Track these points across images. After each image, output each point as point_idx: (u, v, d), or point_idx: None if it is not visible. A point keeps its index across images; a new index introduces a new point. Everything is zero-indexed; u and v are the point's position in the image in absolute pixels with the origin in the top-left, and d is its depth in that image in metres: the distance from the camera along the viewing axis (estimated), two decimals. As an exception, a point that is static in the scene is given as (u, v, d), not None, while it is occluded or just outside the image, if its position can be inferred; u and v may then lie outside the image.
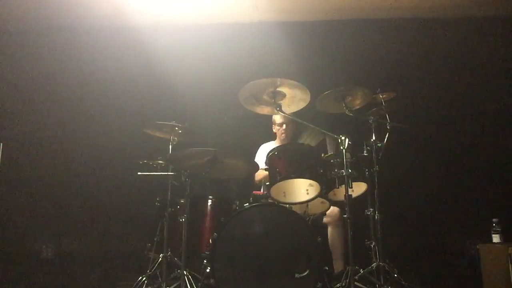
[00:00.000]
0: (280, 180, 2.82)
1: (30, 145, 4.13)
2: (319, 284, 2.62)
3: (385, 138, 3.14)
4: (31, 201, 4.03)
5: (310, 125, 2.86)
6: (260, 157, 3.63)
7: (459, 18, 3.97)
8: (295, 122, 3.64)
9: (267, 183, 2.93)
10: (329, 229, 3.36)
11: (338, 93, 2.98)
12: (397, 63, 4.12)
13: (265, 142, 3.83)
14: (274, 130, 3.80)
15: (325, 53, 4.16)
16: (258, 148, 3.82)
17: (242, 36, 4.02)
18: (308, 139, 4.03)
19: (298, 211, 2.92)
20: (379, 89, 3.27)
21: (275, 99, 2.89)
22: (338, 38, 4.11)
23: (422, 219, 3.94)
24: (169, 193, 3.21)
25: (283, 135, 3.68)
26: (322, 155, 2.95)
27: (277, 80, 2.79)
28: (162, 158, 3.31)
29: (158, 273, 3.14)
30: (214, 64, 4.10)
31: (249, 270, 2.61)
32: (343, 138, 2.72)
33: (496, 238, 3.14)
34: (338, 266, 3.23)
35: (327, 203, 3.07)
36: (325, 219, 3.35)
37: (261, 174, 3.63)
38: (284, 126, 3.66)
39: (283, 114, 2.97)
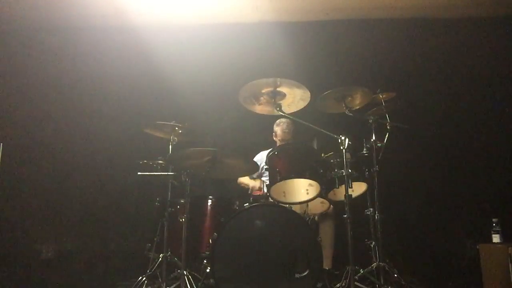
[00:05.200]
0: (280, 180, 2.81)
1: (30, 145, 4.13)
2: (319, 284, 2.62)
3: (385, 138, 3.14)
4: (31, 201, 4.03)
5: (310, 125, 2.85)
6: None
7: (459, 18, 3.97)
8: (296, 133, 3.64)
9: (267, 183, 2.92)
10: (320, 226, 3.36)
11: (338, 93, 2.98)
12: (397, 63, 4.12)
13: (265, 145, 3.80)
14: (274, 139, 3.78)
15: (325, 53, 4.16)
16: (257, 150, 3.81)
17: (242, 36, 4.02)
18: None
19: (298, 211, 2.93)
20: (379, 89, 3.27)
21: (275, 99, 2.89)
22: (338, 38, 4.11)
23: (422, 219, 3.94)
24: (169, 193, 3.21)
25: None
26: (322, 155, 2.95)
27: (277, 80, 2.80)
28: (162, 158, 3.30)
29: (158, 273, 3.13)
30: (214, 64, 4.09)
31: (249, 270, 2.61)
32: (343, 138, 2.72)
33: (496, 238, 3.14)
34: (326, 263, 3.19)
35: (327, 203, 3.07)
36: (316, 216, 3.34)
37: (244, 179, 3.65)
38: (284, 143, 3.62)
39: (283, 114, 2.96)
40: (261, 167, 3.57)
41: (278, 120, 3.69)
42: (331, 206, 3.20)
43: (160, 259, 3.06)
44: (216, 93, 4.19)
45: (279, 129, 3.66)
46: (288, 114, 3.03)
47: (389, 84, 3.47)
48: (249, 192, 3.66)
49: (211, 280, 2.62)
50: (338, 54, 4.16)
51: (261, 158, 3.67)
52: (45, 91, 4.19)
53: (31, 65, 4.15)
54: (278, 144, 3.69)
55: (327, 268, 3.14)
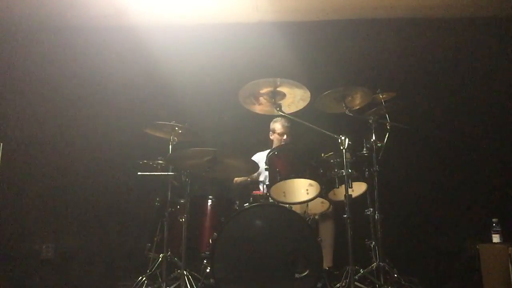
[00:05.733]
0: (280, 180, 2.81)
1: (30, 145, 4.13)
2: (319, 284, 2.62)
3: (385, 138, 3.14)
4: (31, 201, 4.03)
5: (310, 125, 2.85)
6: None
7: (459, 18, 3.97)
8: (295, 130, 3.64)
9: (267, 183, 2.92)
10: (319, 225, 3.36)
11: (338, 93, 2.98)
12: (397, 63, 4.12)
13: (264, 146, 3.79)
14: (271, 137, 3.79)
15: (325, 53, 4.16)
16: (258, 151, 3.80)
17: (242, 36, 4.02)
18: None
19: (298, 211, 2.93)
20: (379, 89, 3.27)
21: (275, 99, 2.89)
22: (338, 38, 4.11)
23: (422, 219, 3.94)
24: (169, 193, 3.21)
25: (282, 144, 3.66)
26: (322, 155, 2.95)
27: (277, 80, 2.79)
28: (162, 158, 3.30)
29: (158, 273, 3.13)
30: (214, 64, 4.10)
31: (249, 270, 2.61)
32: (343, 138, 2.72)
33: (496, 238, 3.14)
34: (326, 262, 3.19)
35: (327, 203, 3.07)
36: (317, 216, 3.34)
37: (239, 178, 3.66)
38: (285, 136, 3.65)
39: (283, 114, 2.97)
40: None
41: (275, 118, 3.70)
42: (331, 206, 3.20)
43: (160, 259, 3.06)
44: (216, 93, 4.19)
45: (278, 124, 3.67)
46: (288, 114, 3.03)
47: (389, 84, 3.47)
48: (248, 180, 3.64)
49: (211, 280, 2.62)
50: (338, 54, 4.16)
51: (257, 159, 3.67)
52: (45, 91, 4.19)
53: (31, 65, 4.15)
54: (275, 142, 3.71)
55: (327, 268, 3.13)
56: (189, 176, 2.96)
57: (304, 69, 3.84)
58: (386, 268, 2.87)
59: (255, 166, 3.01)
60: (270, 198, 2.89)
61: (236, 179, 3.74)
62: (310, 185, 2.88)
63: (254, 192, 3.33)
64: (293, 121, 3.56)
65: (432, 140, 4.12)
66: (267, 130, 3.84)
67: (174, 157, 3.13)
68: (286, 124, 3.64)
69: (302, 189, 2.93)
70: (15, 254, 3.81)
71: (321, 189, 2.80)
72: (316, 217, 3.33)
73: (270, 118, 3.77)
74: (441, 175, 4.05)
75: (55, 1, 3.78)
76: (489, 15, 3.93)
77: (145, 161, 3.33)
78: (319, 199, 2.94)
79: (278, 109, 2.90)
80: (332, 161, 2.88)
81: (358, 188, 3.09)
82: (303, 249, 2.67)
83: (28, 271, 3.76)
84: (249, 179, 3.66)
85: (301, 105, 3.00)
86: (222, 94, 4.00)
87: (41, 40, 4.13)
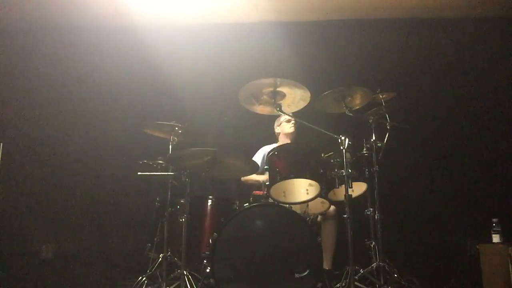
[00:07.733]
0: (280, 180, 2.81)
1: (30, 145, 4.13)
2: (319, 284, 2.62)
3: (385, 138, 3.14)
4: (31, 201, 4.03)
5: (310, 125, 2.85)
6: (258, 159, 3.62)
7: (459, 18, 3.97)
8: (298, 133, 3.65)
9: (267, 183, 2.92)
10: (322, 226, 3.36)
11: (338, 93, 2.98)
12: (397, 63, 4.12)
13: (266, 144, 3.79)
14: (277, 131, 3.79)
15: (325, 53, 4.16)
16: (258, 148, 3.81)
17: (242, 36, 4.02)
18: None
19: (298, 211, 2.92)
20: (379, 89, 3.27)
21: (275, 99, 2.89)
22: (338, 38, 4.12)
23: (422, 219, 3.94)
24: (169, 193, 3.20)
25: (291, 128, 3.66)
26: (322, 155, 2.95)
27: (277, 80, 2.79)
28: (162, 158, 3.30)
29: (158, 273, 3.13)
30: (214, 64, 4.10)
31: (249, 270, 2.61)
32: (343, 138, 2.72)
33: (496, 238, 3.14)
34: (326, 263, 3.19)
35: (327, 203, 3.07)
36: (319, 217, 3.34)
37: (250, 176, 3.66)
38: (292, 121, 3.64)
39: (283, 114, 2.97)
40: (263, 157, 3.56)
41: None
42: (331, 206, 3.20)
43: (160, 259, 3.06)
44: (216, 93, 4.19)
45: (282, 118, 3.68)
46: (287, 114, 3.02)
47: (389, 84, 3.47)
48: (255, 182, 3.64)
49: (211, 280, 2.62)
50: (338, 54, 4.16)
51: (264, 152, 3.66)
52: (45, 91, 4.19)
53: (31, 65, 4.15)
54: (283, 131, 3.71)
55: (327, 268, 3.13)
56: (189, 176, 2.96)
57: (304, 69, 3.84)
58: (386, 268, 2.88)
59: (255, 165, 3.02)
60: (270, 198, 2.88)
61: (244, 178, 3.73)
62: (310, 185, 2.88)
63: (254, 192, 3.33)
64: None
65: (432, 140, 4.12)
66: (267, 130, 3.84)
67: (174, 157, 3.13)
68: (290, 122, 3.67)
69: (302, 189, 2.92)
70: (15, 254, 3.81)
71: (321, 189, 2.80)
72: (318, 218, 3.33)
73: (270, 118, 3.76)
74: (441, 175, 4.05)
75: (55, 2, 3.78)
76: (489, 15, 3.94)
77: (145, 161, 3.33)
78: (319, 199, 2.94)
79: (278, 109, 2.89)
80: (332, 161, 2.88)
81: (358, 188, 3.09)
82: (303, 249, 2.67)
83: (28, 271, 3.76)
84: (261, 180, 3.65)
85: (301, 105, 3.00)
86: (222, 94, 4.01)
87: (41, 40, 4.13)
